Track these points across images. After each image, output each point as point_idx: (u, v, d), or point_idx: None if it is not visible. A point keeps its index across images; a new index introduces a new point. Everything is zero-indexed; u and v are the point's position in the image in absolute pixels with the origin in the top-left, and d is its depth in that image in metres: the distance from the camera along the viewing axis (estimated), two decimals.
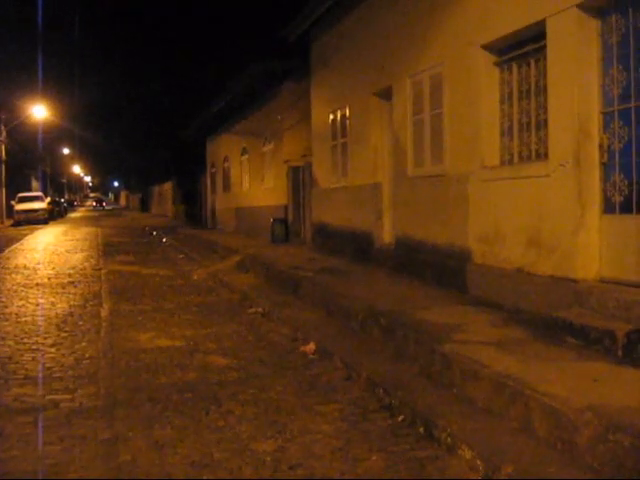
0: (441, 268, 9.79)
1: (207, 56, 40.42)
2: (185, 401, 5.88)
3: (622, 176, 6.74)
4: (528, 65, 8.22)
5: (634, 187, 6.58)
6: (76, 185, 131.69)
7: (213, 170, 33.03)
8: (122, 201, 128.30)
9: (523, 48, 8.21)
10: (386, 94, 12.10)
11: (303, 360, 7.28)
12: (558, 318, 6.60)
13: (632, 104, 6.58)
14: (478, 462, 4.41)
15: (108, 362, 7.25)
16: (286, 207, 19.82)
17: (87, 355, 7.58)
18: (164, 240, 25.99)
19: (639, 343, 5.87)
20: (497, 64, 8.77)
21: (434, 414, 5.18)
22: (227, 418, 5.43)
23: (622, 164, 6.75)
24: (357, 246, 13.32)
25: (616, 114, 6.83)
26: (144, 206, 74.39)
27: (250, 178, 24.93)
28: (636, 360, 5.68)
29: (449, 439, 4.77)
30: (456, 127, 9.53)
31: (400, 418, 5.35)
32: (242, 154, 26.03)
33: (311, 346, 7.65)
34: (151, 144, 59.11)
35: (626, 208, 6.69)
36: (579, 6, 6.99)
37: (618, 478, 3.95)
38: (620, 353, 5.80)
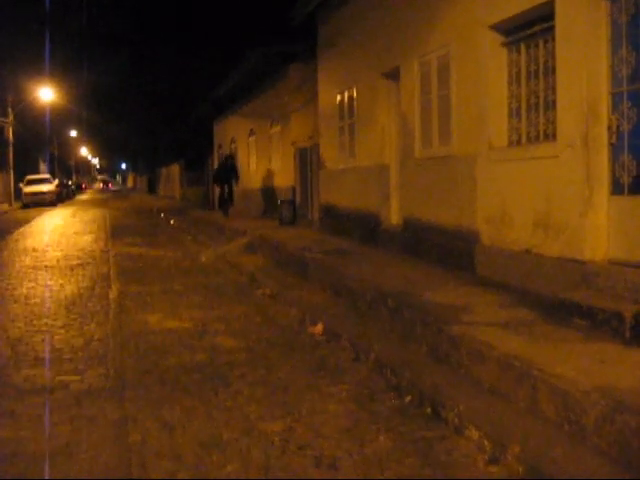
0: (449, 249, 9.79)
1: (215, 38, 40.30)
2: (194, 382, 5.92)
3: (631, 157, 6.71)
4: (536, 46, 8.17)
5: None
6: (84, 167, 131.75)
7: (221, 151, 33.00)
8: (130, 183, 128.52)
9: (531, 28, 8.15)
10: (394, 75, 12.06)
11: (311, 341, 7.31)
12: (566, 299, 6.60)
13: None
14: (485, 442, 4.43)
15: (117, 343, 7.29)
16: (294, 189, 19.81)
17: (96, 337, 7.62)
18: (172, 222, 26.03)
19: None
20: (505, 44, 8.72)
21: (441, 395, 5.20)
22: (236, 399, 5.46)
23: (631, 145, 6.72)
24: (365, 227, 13.32)
25: (625, 95, 6.79)
26: (151, 188, 74.48)
27: (258, 159, 24.93)
28: None
29: (456, 419, 4.79)
30: (464, 108, 9.50)
31: (408, 399, 5.37)
32: (249, 136, 26.02)
33: (319, 327, 7.67)
34: (158, 126, 59.08)
35: (635, 189, 6.67)
36: None
37: (625, 459, 3.96)
38: (628, 334, 5.79)
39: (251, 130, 25.71)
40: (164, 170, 63.43)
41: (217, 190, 25.71)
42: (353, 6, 14.00)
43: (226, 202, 24.29)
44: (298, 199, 19.50)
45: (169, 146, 56.23)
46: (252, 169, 25.73)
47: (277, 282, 10.77)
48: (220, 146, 33.09)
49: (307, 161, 18.59)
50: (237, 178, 24.50)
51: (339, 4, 14.68)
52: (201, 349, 7.03)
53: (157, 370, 6.31)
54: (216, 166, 27.59)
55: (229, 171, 24.37)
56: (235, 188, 25.00)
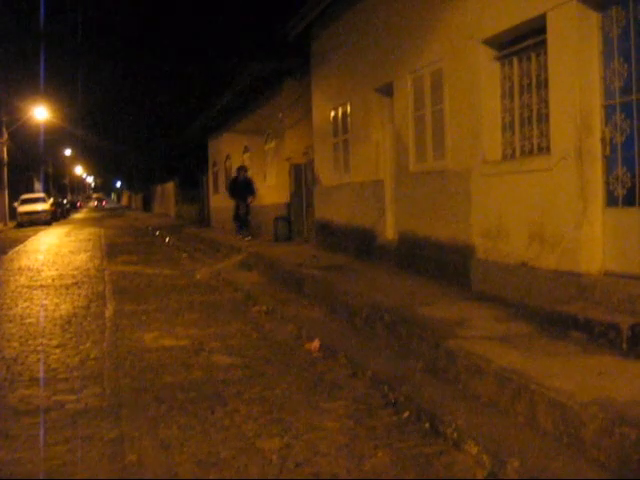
0: (444, 264, 9.78)
1: (209, 55, 40.46)
2: (190, 400, 5.88)
3: (625, 169, 6.73)
4: (529, 59, 8.21)
5: (637, 180, 6.56)
6: (78, 186, 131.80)
7: (215, 169, 33.02)
8: (124, 201, 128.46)
9: (523, 42, 8.19)
10: (387, 90, 12.09)
11: (308, 358, 7.28)
12: (562, 312, 6.59)
13: (634, 97, 6.57)
14: (484, 457, 4.41)
15: (113, 362, 7.26)
16: (289, 205, 19.82)
17: (92, 356, 7.59)
18: (167, 240, 26.00)
19: None
20: (498, 59, 8.75)
21: (439, 410, 5.18)
22: (232, 417, 5.43)
23: (624, 157, 6.73)
24: (360, 243, 13.32)
25: (618, 107, 6.81)
26: (146, 206, 74.48)
27: (252, 176, 24.94)
28: None
29: (455, 434, 4.77)
30: (457, 122, 9.52)
31: (405, 414, 5.35)
32: (244, 152, 26.03)
33: (315, 344, 7.65)
34: (153, 144, 59.18)
35: (629, 201, 6.68)
36: None
37: (624, 472, 3.94)
38: (625, 346, 5.79)
39: (246, 147, 25.73)
40: (159, 188, 63.46)
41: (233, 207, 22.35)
42: (345, 22, 14.06)
43: (242, 221, 21.22)
44: (293, 215, 19.50)
45: (164, 164, 56.30)
46: None
47: (273, 298, 10.74)
48: (215, 163, 33.11)
49: (302, 177, 18.60)
50: (253, 193, 21.31)
51: (332, 20, 14.75)
52: (197, 367, 7.01)
53: (153, 388, 6.28)
54: (229, 181, 24.11)
55: (243, 185, 21.23)
56: (230, 205, 24.59)
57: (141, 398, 6.00)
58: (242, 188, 21.05)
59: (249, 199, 21.18)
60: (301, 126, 18.82)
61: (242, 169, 21.72)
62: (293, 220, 19.37)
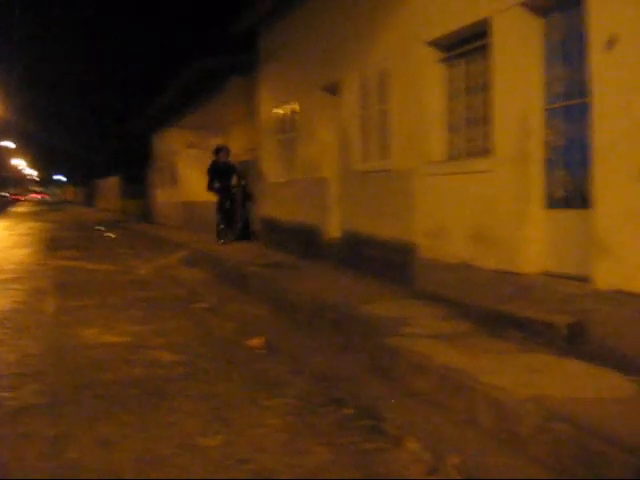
0: (388, 262, 9.87)
1: (156, 49, 40.06)
2: (131, 397, 5.82)
3: (564, 172, 6.88)
4: (474, 62, 8.34)
5: (576, 182, 6.72)
6: (20, 179, 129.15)
7: (160, 164, 32.71)
8: (68, 195, 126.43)
9: (469, 45, 8.32)
10: (334, 89, 12.14)
11: (251, 355, 7.27)
12: (502, 311, 6.72)
13: (574, 101, 6.72)
14: (424, 453, 4.46)
15: (53, 359, 7.14)
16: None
17: (31, 352, 7.45)
18: (110, 235, 25.68)
19: (580, 335, 6.02)
20: (443, 60, 8.87)
21: (381, 407, 5.24)
22: (174, 414, 5.39)
23: (564, 160, 6.89)
24: (305, 241, 13.35)
25: (559, 111, 6.96)
26: (90, 200, 73.41)
27: (197, 172, 24.76)
28: (577, 351, 5.82)
29: (396, 431, 4.82)
30: (403, 122, 9.61)
31: (347, 411, 5.38)
32: (189, 148, 25.83)
33: (259, 340, 7.64)
34: (97, 138, 58.35)
35: (568, 203, 6.84)
36: (523, 5, 7.11)
37: (559, 467, 4.04)
38: (562, 345, 5.94)
39: (191, 142, 25.54)
40: (103, 182, 62.61)
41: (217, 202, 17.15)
42: (294, 20, 14.07)
43: (229, 221, 16.70)
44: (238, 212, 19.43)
45: (108, 158, 55.53)
46: (191, 182, 25.54)
47: (217, 295, 10.70)
48: (160, 158, 32.80)
49: (247, 174, 18.53)
50: (242, 181, 17.15)
51: (280, 17, 14.74)
52: (139, 364, 6.93)
53: (94, 385, 6.19)
54: (208, 168, 17.48)
55: (226, 171, 16.62)
56: (175, 201, 23.98)
57: (81, 395, 5.91)
58: (225, 176, 16.48)
59: (237, 184, 16.85)
60: (247, 122, 18.76)
61: (223, 150, 16.74)
62: (239, 217, 19.30)
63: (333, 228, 12.52)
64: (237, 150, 19.25)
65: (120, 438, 4.89)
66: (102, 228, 29.40)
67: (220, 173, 16.31)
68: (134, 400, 5.74)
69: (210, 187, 16.45)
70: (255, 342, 7.63)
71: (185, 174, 26.63)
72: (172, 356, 7.20)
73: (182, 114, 26.42)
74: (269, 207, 15.87)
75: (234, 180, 16.71)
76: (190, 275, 13.42)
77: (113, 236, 25.11)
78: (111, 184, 54.73)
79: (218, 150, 16.51)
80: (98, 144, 58.63)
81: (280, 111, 15.12)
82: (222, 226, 16.08)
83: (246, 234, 16.17)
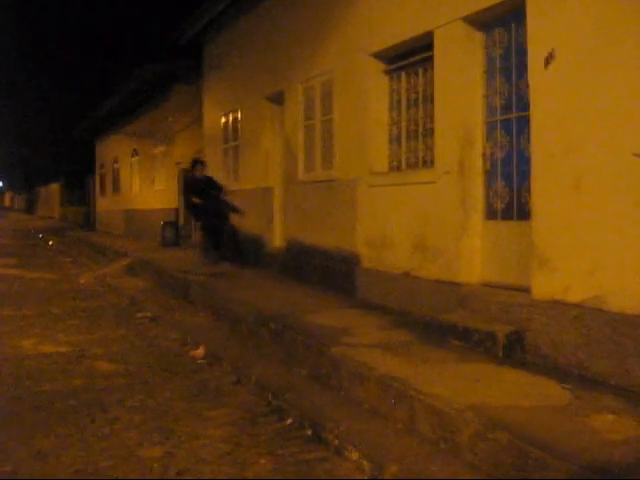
0: (331, 272, 9.90)
1: (99, 55, 39.59)
2: (70, 408, 5.74)
3: (503, 184, 7.00)
4: (416, 74, 8.43)
5: (514, 194, 6.84)
6: None
7: (102, 171, 32.32)
8: (7, 202, 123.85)
9: (412, 57, 8.41)
10: (278, 98, 12.15)
11: (192, 365, 7.23)
12: (443, 321, 6.79)
13: (513, 115, 6.84)
14: (364, 462, 4.49)
15: None
16: (177, 210, 19.61)
17: None
18: (50, 243, 25.26)
19: (518, 344, 6.11)
20: (386, 72, 8.95)
21: (322, 416, 5.24)
22: (113, 425, 5.33)
23: (504, 172, 7.00)
24: (249, 250, 13.30)
25: (499, 124, 7.08)
26: (30, 207, 72.09)
27: (140, 180, 24.56)
28: (515, 361, 5.92)
29: (336, 441, 4.84)
30: (346, 133, 9.66)
31: (289, 421, 5.39)
32: (132, 156, 25.61)
33: (200, 351, 7.61)
34: (38, 144, 57.27)
35: (507, 214, 6.95)
36: (465, 19, 7.22)
37: (497, 474, 4.10)
38: (501, 354, 6.03)
39: (134, 150, 25.32)
40: (44, 189, 61.56)
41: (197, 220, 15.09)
42: (239, 28, 14.05)
43: (216, 240, 13.57)
44: (181, 221, 19.30)
45: (49, 164, 54.55)
46: (135, 190, 25.32)
47: (158, 305, 10.61)
48: (102, 165, 32.41)
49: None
50: (220, 190, 13.72)
51: (225, 26, 14.70)
52: (78, 374, 6.84)
53: (31, 396, 6.09)
54: (184, 184, 15.59)
55: (205, 186, 13.72)
56: (117, 209, 23.50)
57: (18, 406, 5.82)
58: (206, 191, 13.77)
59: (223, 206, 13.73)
60: (192, 131, 18.66)
61: (199, 163, 14.15)
62: (181, 225, 19.18)
63: (277, 238, 12.52)
64: (181, 158, 19.14)
65: (58, 450, 4.82)
66: (43, 236, 28.89)
67: (200, 189, 13.58)
68: (72, 411, 5.67)
69: (189, 205, 13.83)
70: (197, 352, 7.59)
71: (128, 182, 26.36)
72: (112, 366, 7.13)
73: (126, 121, 26.16)
74: None
75: (216, 195, 13.78)
76: (132, 284, 13.29)
77: (54, 244, 24.70)
78: (53, 191, 53.85)
79: (195, 164, 14.14)
80: (40, 150, 57.55)
81: (225, 120, 15.08)
82: (208, 244, 13.72)
83: (235, 253, 13.63)
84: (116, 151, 28.88)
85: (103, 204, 31.83)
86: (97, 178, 33.73)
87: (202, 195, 13.39)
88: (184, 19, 15.76)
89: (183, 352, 7.78)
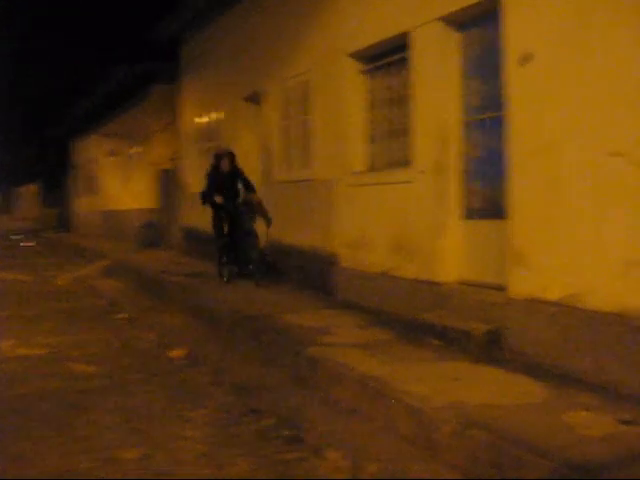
0: (310, 272, 9.91)
1: (77, 54, 39.25)
2: (47, 411, 5.69)
3: (481, 183, 7.04)
4: (394, 74, 8.45)
5: (493, 193, 6.87)
6: None
7: (80, 172, 32.11)
8: None
9: (389, 57, 8.43)
10: (257, 99, 12.14)
11: (170, 366, 7.20)
12: (421, 320, 6.82)
13: (490, 114, 6.87)
14: (344, 462, 4.49)
15: None
16: (155, 211, 19.53)
17: None
18: (28, 244, 25.07)
19: (497, 342, 6.15)
20: (364, 72, 8.97)
21: (301, 417, 5.25)
22: (91, 427, 5.29)
23: (481, 171, 7.04)
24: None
25: (475, 124, 7.11)
26: (8, 208, 71.57)
27: (119, 181, 24.42)
28: (494, 359, 5.96)
29: (315, 441, 4.84)
30: (324, 133, 9.67)
31: (268, 421, 5.37)
32: (110, 156, 25.46)
33: (179, 352, 7.57)
34: (15, 144, 56.78)
35: (485, 213, 6.99)
36: (442, 19, 7.24)
37: (475, 473, 4.12)
38: (479, 352, 6.06)
39: (112, 150, 25.17)
40: (21, 190, 61.12)
41: (215, 219, 11.69)
42: (217, 29, 14.02)
43: (234, 252, 11.31)
44: (160, 221, 19.23)
45: (26, 165, 54.10)
46: (113, 190, 25.18)
47: (137, 306, 10.56)
48: (79, 166, 32.21)
49: (169, 183, 18.38)
50: (251, 189, 11.41)
51: (203, 26, 14.67)
52: (55, 376, 6.79)
53: (8, 399, 6.04)
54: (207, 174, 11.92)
55: (230, 180, 11.40)
56: (95, 209, 23.30)
57: None
58: (230, 189, 11.40)
59: (250, 199, 11.42)
60: (169, 131, 18.61)
61: (226, 155, 11.45)
62: (160, 226, 19.11)
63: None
64: (159, 159, 19.07)
65: (35, 453, 4.78)
66: (20, 237, 28.66)
67: (222, 185, 11.31)
68: (50, 414, 5.62)
69: (206, 200, 11.54)
70: (175, 353, 7.56)
71: (106, 183, 26.22)
72: (90, 368, 7.08)
73: (104, 121, 26.02)
74: (190, 216, 15.74)
75: (244, 195, 11.49)
76: (110, 285, 13.22)
77: (31, 245, 24.52)
78: (29, 191, 53.48)
79: (220, 156, 11.46)
80: (17, 151, 57.05)
81: (202, 120, 15.05)
82: (224, 258, 11.35)
83: (262, 268, 10.86)
84: (94, 151, 28.71)
85: (81, 205, 31.63)
86: (75, 179, 33.51)
87: (226, 194, 11.21)
88: (161, 18, 15.71)
89: (162, 353, 7.74)
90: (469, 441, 4.22)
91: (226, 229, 11.34)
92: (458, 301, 6.85)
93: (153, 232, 18.90)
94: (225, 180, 11.32)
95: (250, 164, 12.64)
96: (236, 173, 11.44)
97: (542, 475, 3.71)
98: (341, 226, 9.11)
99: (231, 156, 11.40)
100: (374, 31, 8.36)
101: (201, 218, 14.73)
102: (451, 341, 6.34)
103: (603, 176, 5.29)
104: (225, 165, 11.29)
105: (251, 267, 10.89)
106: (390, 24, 8.03)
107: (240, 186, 11.52)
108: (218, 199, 11.11)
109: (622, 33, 5.16)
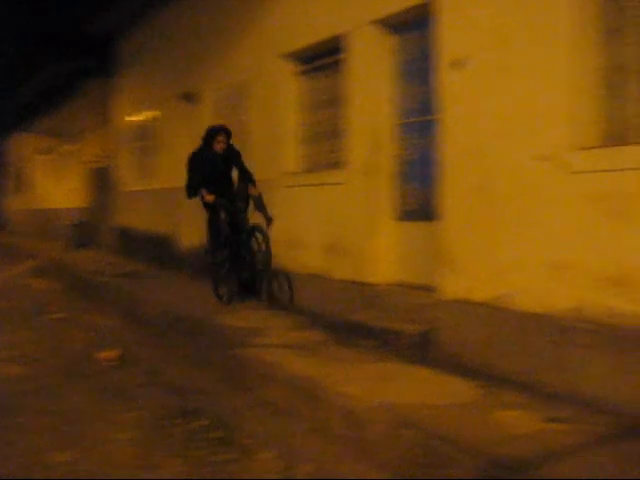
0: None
1: (9, 50, 38.34)
2: None
3: (413, 185, 7.13)
4: (329, 76, 8.50)
5: (425, 195, 6.97)
6: None
7: (12, 170, 31.41)
8: None
9: (325, 59, 8.47)
10: (193, 98, 12.05)
11: (103, 367, 7.11)
12: (354, 321, 6.87)
13: (423, 118, 6.97)
14: (276, 463, 4.50)
15: None
16: (88, 210, 19.24)
17: None
18: None
19: (429, 343, 6.24)
20: (299, 73, 9.00)
21: (234, 418, 5.25)
22: (19, 431, 5.19)
23: (414, 174, 7.13)
24: (160, 250, 13.17)
25: (409, 126, 7.21)
26: None
27: (51, 179, 23.98)
28: (426, 360, 6.04)
29: (249, 442, 4.84)
30: (262, 133, 9.67)
31: (201, 423, 5.35)
32: (42, 154, 24.98)
33: (112, 353, 7.48)
34: None
35: (417, 216, 7.08)
36: (376, 22, 7.32)
37: (407, 472, 4.18)
38: (411, 353, 6.14)
39: (45, 148, 24.71)
40: None
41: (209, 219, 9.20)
42: (153, 26, 13.89)
43: (236, 263, 8.91)
44: (93, 220, 18.94)
45: None
46: (45, 189, 24.71)
47: (68, 307, 10.39)
48: (11, 163, 31.50)
49: (103, 181, 18.12)
50: (250, 180, 8.91)
51: (139, 23, 14.51)
52: None
53: None
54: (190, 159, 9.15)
55: (223, 165, 9.00)
56: (27, 208, 22.96)
57: None
58: (223, 173, 9.01)
59: (248, 190, 8.85)
60: (104, 129, 18.31)
61: (221, 131, 8.89)
62: (92, 225, 18.83)
63: (188, 237, 12.41)
64: (93, 157, 18.80)
65: None
66: None
67: (213, 173, 8.75)
68: None
69: (192, 193, 8.85)
70: (107, 354, 7.46)
71: (38, 181, 25.72)
72: (19, 370, 6.94)
73: (37, 119, 25.52)
74: (124, 215, 15.57)
75: (238, 187, 8.94)
76: (42, 285, 12.97)
77: None
78: None
79: (212, 132, 8.82)
80: None
81: (137, 118, 14.88)
82: (223, 271, 8.95)
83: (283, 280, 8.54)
84: (26, 149, 28.13)
85: (13, 203, 30.94)
86: (5, 177, 32.76)
87: (220, 186, 8.65)
88: (97, 14, 15.47)
89: (93, 354, 7.63)
90: (400, 441, 4.27)
91: (226, 234, 8.77)
92: (391, 302, 6.93)
93: (86, 231, 18.60)
94: (217, 166, 8.69)
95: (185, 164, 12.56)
96: (232, 157, 8.85)
97: (469, 472, 3.78)
98: (277, 227, 9.11)
99: (228, 133, 8.77)
100: (309, 33, 8.40)
101: (136, 217, 14.60)
102: (384, 342, 6.41)
103: (528, 180, 5.43)
104: (220, 145, 8.64)
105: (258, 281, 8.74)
106: (325, 26, 8.08)
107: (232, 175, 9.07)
108: (208, 197, 8.48)
109: (545, 48, 5.32)
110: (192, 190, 8.78)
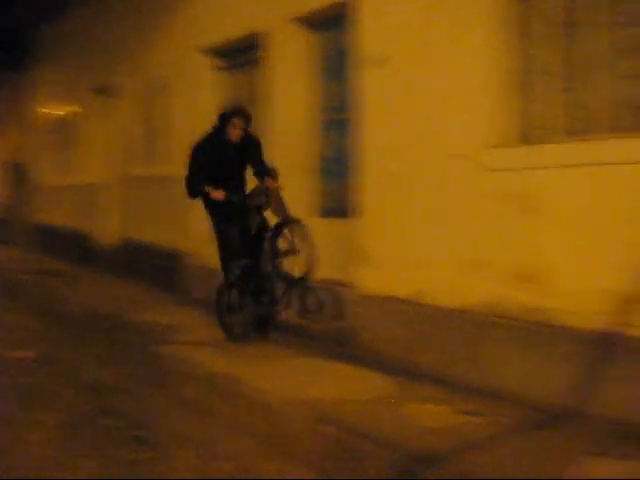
0: (165, 270, 9.80)
1: None
2: None
3: (334, 182, 7.16)
4: (251, 72, 8.46)
5: (344, 192, 7.00)
6: None
7: None
8: None
9: (246, 55, 8.43)
10: (114, 93, 11.88)
11: (18, 367, 6.94)
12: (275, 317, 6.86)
13: (343, 115, 7.00)
14: (194, 462, 4.47)
15: None
16: (5, 206, 18.76)
17: None
18: None
19: (349, 339, 6.30)
20: (220, 69, 8.95)
21: (152, 417, 5.21)
22: None
23: (334, 171, 7.17)
24: (82, 248, 12.94)
25: (329, 124, 7.24)
26: None
27: None
28: (346, 356, 6.08)
29: (167, 441, 4.80)
30: (183, 129, 9.56)
31: (117, 423, 5.28)
32: None
33: (29, 353, 7.33)
34: None
35: (336, 212, 7.11)
36: (297, 20, 7.32)
37: (327, 468, 4.20)
38: (332, 349, 6.18)
39: None
40: None
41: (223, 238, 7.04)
42: (74, 18, 13.61)
43: (251, 286, 6.73)
44: (11, 217, 18.47)
45: None
46: None
47: None
48: None
49: (20, 177, 17.68)
50: (268, 173, 6.83)
51: (58, 15, 14.19)
52: None
53: None
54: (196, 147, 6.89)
55: (241, 158, 6.91)
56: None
57: None
58: (237, 166, 7.03)
59: (266, 186, 6.82)
60: (21, 123, 17.87)
61: (237, 115, 6.68)
62: (10, 222, 18.37)
63: (111, 235, 12.22)
64: (9, 152, 18.34)
65: None
66: None
67: (224, 166, 6.85)
68: None
69: (194, 192, 6.95)
70: (23, 354, 7.30)
71: None
72: None
73: None
74: (43, 212, 15.25)
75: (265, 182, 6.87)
76: None
77: None
78: None
79: (226, 115, 6.78)
80: None
81: (55, 112, 14.57)
82: (233, 299, 6.89)
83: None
84: None
85: None
86: None
87: (230, 184, 6.79)
88: (9, 5, 15.03)
89: (10, 354, 7.45)
90: (319, 437, 4.30)
91: (240, 240, 6.84)
92: (311, 299, 6.93)
93: (3, 229, 18.13)
94: (229, 158, 6.85)
95: (106, 159, 12.39)
96: (250, 148, 6.96)
97: (386, 466, 3.84)
98: (195, 224, 9.02)
99: (248, 118, 6.79)
100: (229, 29, 8.35)
101: (56, 214, 14.33)
102: (305, 338, 6.44)
103: (445, 178, 5.52)
104: (236, 131, 6.72)
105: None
106: (244, 22, 8.04)
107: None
108: (216, 194, 6.65)
109: (461, 50, 5.42)
110: (194, 188, 6.86)
